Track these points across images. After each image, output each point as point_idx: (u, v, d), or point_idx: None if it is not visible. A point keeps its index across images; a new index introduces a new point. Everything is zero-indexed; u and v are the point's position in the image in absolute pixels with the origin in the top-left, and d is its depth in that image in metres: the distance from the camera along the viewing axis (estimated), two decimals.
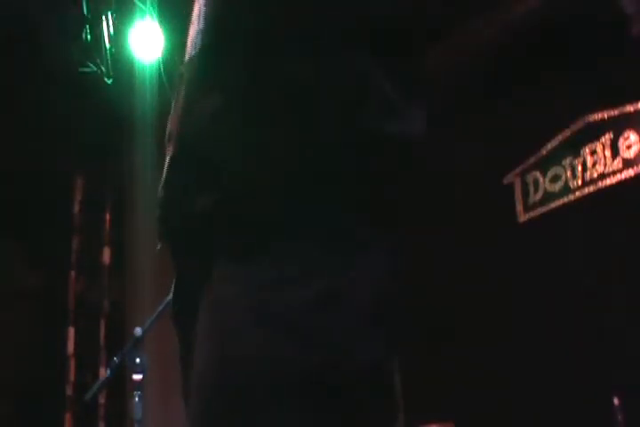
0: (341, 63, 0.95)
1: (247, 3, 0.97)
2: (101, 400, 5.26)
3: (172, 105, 1.05)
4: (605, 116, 3.79)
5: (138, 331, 2.70)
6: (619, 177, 3.71)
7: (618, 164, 3.72)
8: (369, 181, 0.94)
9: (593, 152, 3.85)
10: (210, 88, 0.97)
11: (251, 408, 0.84)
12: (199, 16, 1.02)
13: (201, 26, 1.01)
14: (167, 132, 1.05)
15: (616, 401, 3.15)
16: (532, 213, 4.14)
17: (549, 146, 4.09)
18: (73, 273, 5.53)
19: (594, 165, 3.83)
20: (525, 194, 4.19)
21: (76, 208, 5.60)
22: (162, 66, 5.22)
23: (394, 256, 0.95)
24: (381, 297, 0.92)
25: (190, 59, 1.01)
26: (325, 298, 0.87)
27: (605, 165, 3.77)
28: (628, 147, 3.69)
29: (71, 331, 5.45)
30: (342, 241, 0.91)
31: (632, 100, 3.66)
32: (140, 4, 5.00)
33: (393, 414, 0.91)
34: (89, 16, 4.77)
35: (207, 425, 0.87)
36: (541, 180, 4.12)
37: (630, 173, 3.66)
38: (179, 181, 0.98)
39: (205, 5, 1.01)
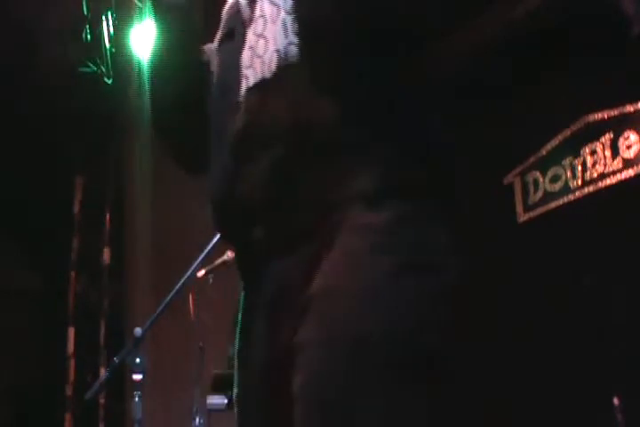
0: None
1: (351, 12, 1.09)
2: (101, 400, 5.26)
3: (253, 108, 1.16)
4: (605, 116, 3.79)
5: (138, 331, 2.70)
6: (619, 177, 3.70)
7: (618, 164, 3.71)
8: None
9: (593, 152, 3.85)
10: (320, 92, 1.09)
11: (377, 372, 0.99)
12: (284, 29, 1.15)
13: (290, 39, 1.13)
14: (249, 134, 1.15)
15: (616, 401, 3.15)
16: (532, 213, 4.14)
17: (549, 146, 4.09)
18: (73, 273, 5.53)
19: (594, 165, 3.84)
20: (525, 194, 4.19)
21: (76, 208, 5.59)
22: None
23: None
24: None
25: (285, 67, 1.13)
26: (448, 289, 1.08)
27: (605, 165, 3.77)
28: (628, 147, 3.69)
29: (71, 331, 5.44)
30: (461, 241, 1.14)
31: (632, 100, 3.66)
32: (140, 4, 5.00)
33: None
34: (89, 16, 4.77)
35: (337, 372, 1.00)
36: (541, 180, 4.12)
37: (630, 173, 3.66)
38: (305, 178, 1.09)
39: (296, 22, 1.13)
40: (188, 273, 2.75)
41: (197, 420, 3.94)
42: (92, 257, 5.59)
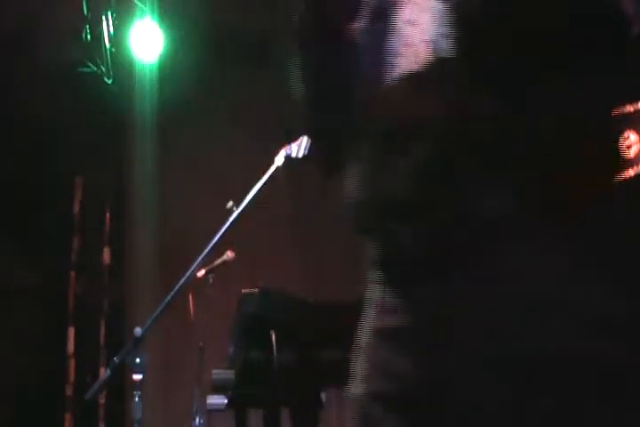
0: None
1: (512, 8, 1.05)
2: (101, 400, 5.26)
3: (400, 99, 1.11)
4: None
5: (138, 331, 2.70)
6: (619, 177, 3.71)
7: None
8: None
9: None
10: (479, 89, 1.05)
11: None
12: (436, 19, 1.10)
13: (442, 30, 1.09)
14: (398, 124, 1.09)
15: None
16: None
17: None
18: (73, 273, 5.53)
19: None
20: None
21: (76, 208, 5.60)
22: (161, 66, 5.22)
23: None
24: None
25: (435, 60, 1.09)
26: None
27: None
28: (628, 147, 3.69)
29: (71, 331, 5.45)
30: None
31: (632, 100, 3.66)
32: (140, 4, 5.01)
33: None
34: (89, 16, 4.78)
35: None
36: None
37: (630, 173, 3.66)
38: (461, 182, 1.03)
39: (449, 12, 1.09)
40: (188, 273, 2.75)
41: (197, 420, 3.95)
42: (92, 257, 5.60)
